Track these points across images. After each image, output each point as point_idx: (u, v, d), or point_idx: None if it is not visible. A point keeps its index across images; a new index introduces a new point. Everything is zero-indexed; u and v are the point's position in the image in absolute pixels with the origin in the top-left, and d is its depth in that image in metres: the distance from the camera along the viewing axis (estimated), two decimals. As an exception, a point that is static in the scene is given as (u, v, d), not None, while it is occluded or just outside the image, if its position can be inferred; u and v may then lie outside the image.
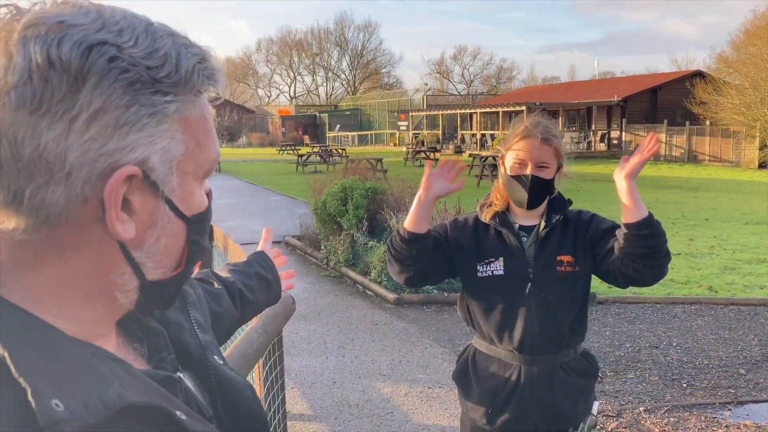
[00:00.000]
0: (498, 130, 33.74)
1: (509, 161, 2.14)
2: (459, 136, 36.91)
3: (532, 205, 2.12)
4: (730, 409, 4.45)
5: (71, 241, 0.63)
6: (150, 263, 0.68)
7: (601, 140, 32.64)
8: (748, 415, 4.39)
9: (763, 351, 5.47)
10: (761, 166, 24.76)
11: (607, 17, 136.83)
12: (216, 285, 1.23)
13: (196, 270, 0.78)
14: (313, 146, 31.60)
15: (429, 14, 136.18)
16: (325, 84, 74.77)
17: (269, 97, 76.56)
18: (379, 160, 20.12)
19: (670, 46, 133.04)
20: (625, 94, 32.73)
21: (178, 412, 0.67)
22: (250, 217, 13.08)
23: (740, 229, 11.20)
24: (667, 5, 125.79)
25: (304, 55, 73.67)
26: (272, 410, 2.74)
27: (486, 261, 2.14)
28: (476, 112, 36.75)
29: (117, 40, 0.61)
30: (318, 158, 26.04)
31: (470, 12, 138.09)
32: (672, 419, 4.27)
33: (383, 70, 73.75)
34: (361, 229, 8.30)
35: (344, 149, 30.25)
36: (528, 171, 2.09)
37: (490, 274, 2.12)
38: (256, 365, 2.74)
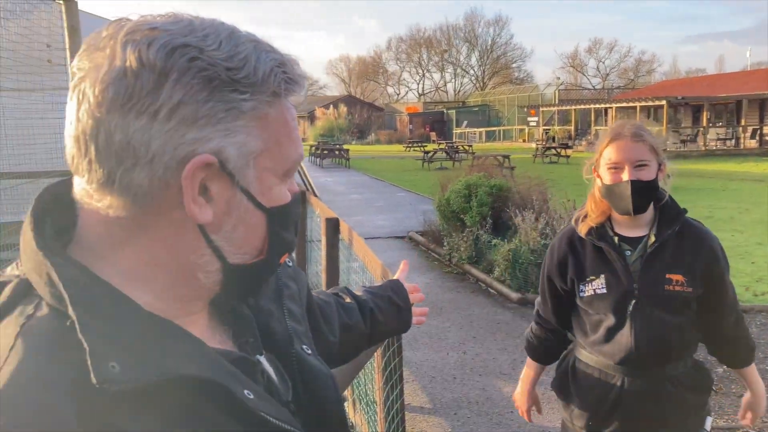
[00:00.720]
0: (634, 125, 32.02)
1: (603, 169, 2.02)
2: (593, 132, 35.50)
3: (638, 211, 1.98)
4: None
5: (156, 222, 0.70)
6: (230, 248, 0.74)
7: (752, 136, 30.10)
8: None
9: None
10: None
11: (761, 2, 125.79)
12: (347, 299, 1.30)
13: (283, 260, 0.83)
14: (440, 143, 31.66)
15: (562, 6, 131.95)
16: (453, 80, 74.81)
17: (398, 95, 77.65)
18: (507, 157, 19.80)
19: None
20: (780, 86, 30.00)
21: (246, 391, 0.72)
22: (377, 212, 13.37)
23: None
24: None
25: (433, 52, 73.98)
26: (390, 399, 2.82)
27: (587, 279, 2.05)
28: (612, 107, 35.17)
29: (200, 44, 0.69)
30: (444, 155, 26.07)
31: (605, 3, 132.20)
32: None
33: (513, 65, 72.62)
34: (485, 226, 8.24)
35: (470, 146, 30.08)
36: (626, 175, 1.95)
37: (593, 293, 2.03)
38: (375, 354, 2.83)
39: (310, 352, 0.92)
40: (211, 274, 0.74)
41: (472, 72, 73.54)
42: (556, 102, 42.33)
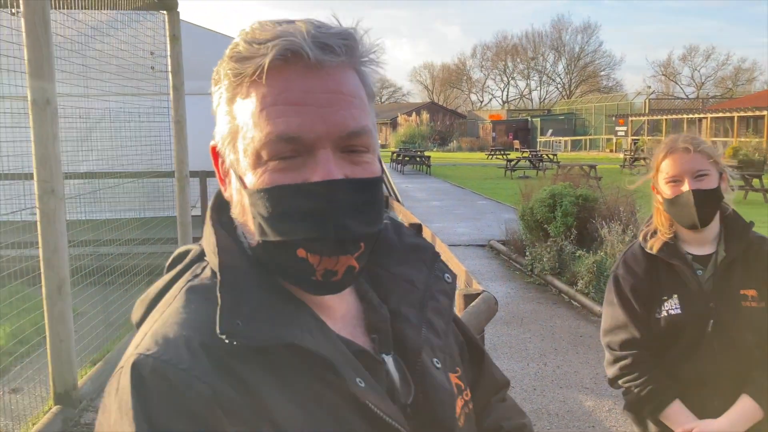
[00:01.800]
0: (732, 137, 30.56)
1: (662, 184, 1.97)
2: (646, 148, 34.02)
3: (704, 222, 1.92)
4: None
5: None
6: (244, 227, 0.82)
7: None
8: None
9: None
10: None
11: None
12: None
13: (301, 254, 0.78)
14: (523, 151, 31.19)
15: (655, 13, 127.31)
16: (538, 88, 73.62)
17: (481, 102, 77.12)
18: (593, 167, 19.30)
19: None
20: None
21: (357, 379, 0.77)
22: (458, 219, 13.32)
23: None
24: None
25: (519, 59, 73.08)
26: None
27: (661, 299, 1.98)
28: (707, 117, 33.62)
29: (231, 48, 0.80)
30: (527, 163, 25.67)
31: (702, 9, 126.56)
32: None
33: (602, 73, 70.65)
34: (569, 237, 8.08)
35: (555, 154, 29.45)
36: (686, 186, 1.90)
37: (666, 314, 1.96)
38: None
39: (439, 366, 0.90)
40: (250, 250, 0.82)
41: (558, 80, 72.19)
42: (646, 111, 40.88)
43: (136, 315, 0.85)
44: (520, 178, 21.53)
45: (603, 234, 7.43)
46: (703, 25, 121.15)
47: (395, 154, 30.82)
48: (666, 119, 36.09)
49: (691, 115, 34.92)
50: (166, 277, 0.86)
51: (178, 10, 6.55)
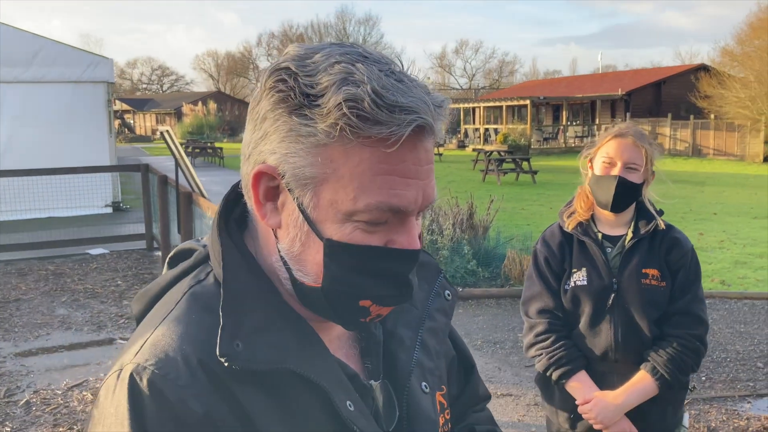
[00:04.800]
0: (501, 124, 33.73)
1: (598, 162, 2.12)
2: (462, 131, 36.90)
3: (616, 207, 2.08)
4: (749, 402, 4.49)
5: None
6: (291, 261, 0.78)
7: (605, 134, 32.59)
8: None
9: (779, 345, 5.51)
10: (766, 159, 24.76)
11: (606, 10, 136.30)
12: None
13: (365, 304, 0.78)
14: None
15: (429, 8, 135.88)
16: (326, 78, 74.55)
17: (270, 92, 76.30)
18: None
19: (670, 38, 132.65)
20: (629, 88, 32.74)
21: (348, 402, 0.78)
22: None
23: (749, 224, 11.22)
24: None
25: (305, 49, 73.44)
26: None
27: (571, 272, 2.13)
28: (479, 107, 36.73)
29: (298, 68, 0.73)
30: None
31: (471, 5, 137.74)
32: (693, 412, 4.30)
33: (384, 64, 73.52)
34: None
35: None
36: (616, 171, 2.06)
37: (574, 284, 2.11)
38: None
39: (427, 390, 0.90)
40: (285, 281, 0.80)
41: (344, 70, 73.73)
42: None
43: (135, 308, 0.87)
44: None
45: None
46: (470, 20, 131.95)
47: (184, 146, 29.47)
48: (445, 108, 38.60)
49: (466, 105, 37.84)
50: (168, 275, 0.86)
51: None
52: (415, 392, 0.88)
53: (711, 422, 4.17)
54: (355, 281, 0.76)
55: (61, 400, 4.36)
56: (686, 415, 2.24)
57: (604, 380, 2.11)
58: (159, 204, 7.65)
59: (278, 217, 0.78)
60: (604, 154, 2.11)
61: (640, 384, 2.06)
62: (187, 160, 5.85)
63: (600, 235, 2.15)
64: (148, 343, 0.75)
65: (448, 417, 0.95)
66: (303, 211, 0.75)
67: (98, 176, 10.95)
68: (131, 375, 0.72)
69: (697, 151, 27.96)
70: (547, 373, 2.13)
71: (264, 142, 0.76)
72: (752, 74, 25.81)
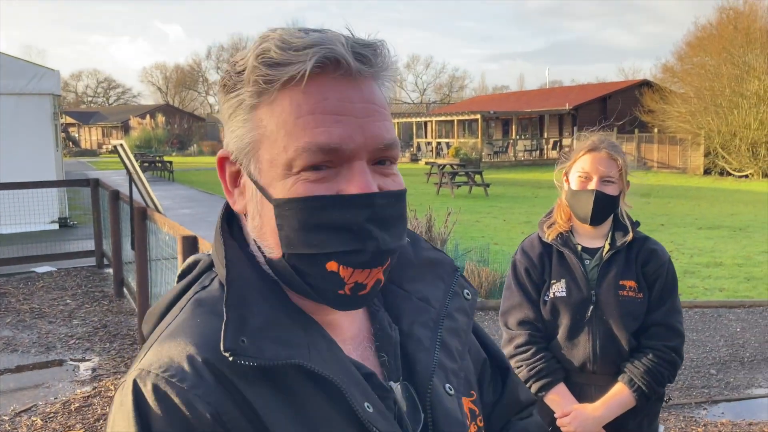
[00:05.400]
0: (453, 138, 34.12)
1: (573, 176, 2.13)
2: (415, 145, 37.17)
3: (595, 220, 2.10)
4: (705, 408, 4.60)
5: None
6: (260, 241, 0.77)
7: (553, 147, 33.33)
8: (723, 413, 4.54)
9: (730, 351, 5.67)
10: (706, 172, 25.71)
11: (550, 27, 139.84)
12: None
13: (331, 267, 0.74)
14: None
15: (377, 21, 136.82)
16: (277, 92, 74.06)
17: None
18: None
19: (613, 55, 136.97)
20: (575, 103, 33.56)
21: (366, 404, 0.74)
22: (212, 227, 12.81)
23: (695, 234, 11.60)
24: (605, 16, 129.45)
25: (256, 62, 72.86)
26: None
27: (551, 283, 2.13)
28: (431, 121, 37.10)
29: (238, 56, 0.76)
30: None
31: (419, 20, 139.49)
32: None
33: (336, 78, 73.51)
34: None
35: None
36: (593, 185, 2.07)
37: (553, 296, 2.12)
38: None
39: (452, 392, 0.85)
40: (265, 265, 0.78)
41: (295, 84, 73.41)
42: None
43: (146, 327, 0.84)
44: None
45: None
46: (418, 35, 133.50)
47: (133, 160, 28.75)
48: (397, 122, 38.93)
49: (418, 119, 38.18)
50: (176, 288, 0.85)
51: None
52: (439, 394, 0.84)
53: (671, 430, 4.24)
54: (309, 239, 0.72)
55: (9, 426, 4.15)
56: (661, 427, 2.27)
57: (582, 392, 2.12)
58: (110, 219, 7.42)
59: (243, 200, 0.78)
60: (579, 168, 2.12)
61: (618, 396, 2.07)
62: (141, 174, 5.69)
63: (579, 247, 2.17)
64: (152, 349, 0.73)
65: (481, 425, 0.91)
66: (254, 181, 0.75)
67: (44, 191, 10.57)
68: (134, 382, 0.70)
69: (642, 164, 28.81)
70: (527, 385, 2.12)
71: (224, 131, 0.79)
72: (692, 90, 26.84)
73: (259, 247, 0.77)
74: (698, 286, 7.93)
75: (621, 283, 2.10)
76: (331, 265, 0.73)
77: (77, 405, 4.44)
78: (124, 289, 7.30)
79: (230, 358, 0.69)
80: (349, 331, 0.83)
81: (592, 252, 2.16)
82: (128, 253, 6.94)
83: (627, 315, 2.09)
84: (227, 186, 0.80)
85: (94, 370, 5.13)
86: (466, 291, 0.94)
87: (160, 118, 48.97)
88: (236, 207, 0.79)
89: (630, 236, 2.13)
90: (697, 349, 5.72)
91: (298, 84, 0.71)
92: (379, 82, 0.77)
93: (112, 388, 4.72)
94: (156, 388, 0.69)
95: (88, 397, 4.59)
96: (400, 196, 0.76)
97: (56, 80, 12.00)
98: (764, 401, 4.78)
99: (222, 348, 0.69)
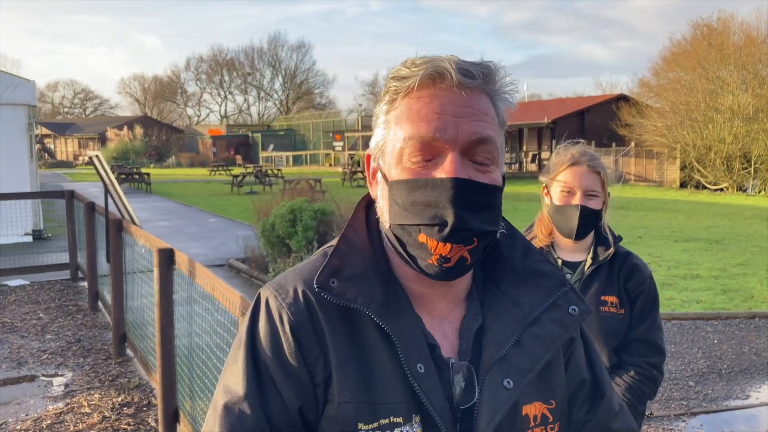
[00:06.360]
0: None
1: (556, 191, 2.10)
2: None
3: (580, 235, 2.07)
4: (684, 420, 4.62)
5: None
6: (380, 216, 0.98)
7: (532, 161, 33.62)
8: (701, 425, 4.56)
9: (708, 363, 5.71)
10: (682, 185, 26.07)
11: (527, 41, 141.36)
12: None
13: (422, 239, 0.91)
14: (247, 166, 31.14)
15: (359, 36, 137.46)
16: (257, 103, 74.13)
17: (198, 117, 75.14)
18: (318, 181, 20.05)
19: (590, 69, 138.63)
20: (554, 116, 33.85)
21: (419, 365, 0.91)
22: (190, 240, 12.69)
23: (672, 247, 11.71)
24: (581, 30, 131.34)
25: (235, 74, 72.84)
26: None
27: None
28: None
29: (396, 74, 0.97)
30: (253, 179, 25.68)
31: (398, 34, 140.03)
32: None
33: (316, 91, 73.70)
34: (311, 250, 8.21)
35: (280, 169, 29.96)
36: (577, 200, 2.04)
37: None
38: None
39: (510, 387, 0.94)
40: (384, 240, 1.00)
41: (276, 96, 73.41)
42: (360, 128, 43.75)
43: None
44: (247, 194, 21.42)
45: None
46: (397, 49, 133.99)
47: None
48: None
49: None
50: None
51: None
52: (493, 384, 0.93)
53: (650, 442, 4.24)
54: (405, 213, 0.91)
55: (-22, 444, 4.03)
56: None
57: None
58: (86, 232, 7.29)
59: (377, 188, 0.99)
60: (562, 182, 2.08)
61: None
62: (117, 186, 5.60)
63: (560, 261, 2.15)
64: (280, 275, 1.01)
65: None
66: (380, 170, 0.97)
67: (18, 203, 10.38)
68: (260, 291, 0.99)
69: (619, 177, 29.12)
70: None
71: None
72: (667, 104, 27.26)
73: (381, 223, 0.98)
74: (676, 298, 7.99)
75: (603, 298, 2.07)
76: (422, 237, 0.90)
77: (49, 422, 4.33)
78: (99, 303, 7.17)
79: (317, 290, 0.92)
80: (441, 310, 0.99)
81: (573, 266, 2.14)
82: (103, 266, 6.83)
83: (608, 331, 2.06)
84: (369, 179, 1.02)
85: (67, 385, 5.02)
86: (573, 307, 1.00)
87: (138, 130, 48.59)
88: (373, 194, 1.01)
89: (612, 251, 2.11)
90: (676, 361, 5.75)
91: (413, 91, 0.92)
92: (490, 96, 0.94)
93: (85, 404, 4.61)
94: (267, 299, 0.96)
95: (60, 413, 4.47)
96: (486, 188, 0.91)
97: (31, 90, 11.84)
98: (742, 413, 4.81)
99: (314, 281, 0.93)
